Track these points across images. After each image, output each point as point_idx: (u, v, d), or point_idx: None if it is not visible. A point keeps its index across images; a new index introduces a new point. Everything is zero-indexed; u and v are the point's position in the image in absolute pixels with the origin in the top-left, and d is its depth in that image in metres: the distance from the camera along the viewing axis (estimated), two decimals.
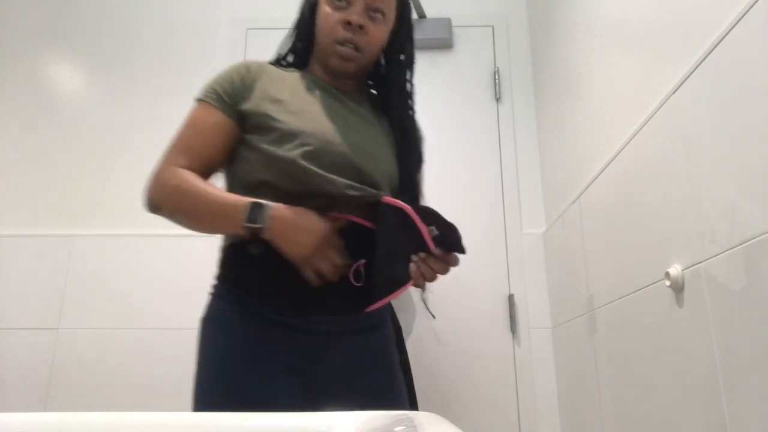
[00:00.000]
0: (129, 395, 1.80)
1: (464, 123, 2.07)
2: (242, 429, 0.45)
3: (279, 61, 1.20)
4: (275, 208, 0.95)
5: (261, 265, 0.99)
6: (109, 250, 1.95)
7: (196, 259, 1.93)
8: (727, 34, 0.90)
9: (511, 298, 1.91)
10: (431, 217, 0.95)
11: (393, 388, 1.08)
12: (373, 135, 1.11)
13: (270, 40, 2.26)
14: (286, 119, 1.02)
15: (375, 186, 1.03)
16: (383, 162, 1.07)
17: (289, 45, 1.20)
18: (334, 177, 0.99)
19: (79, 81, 2.18)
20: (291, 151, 0.98)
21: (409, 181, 1.11)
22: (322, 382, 0.98)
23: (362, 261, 0.98)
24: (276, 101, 1.05)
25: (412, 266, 0.96)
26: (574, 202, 1.63)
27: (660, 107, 1.11)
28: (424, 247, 0.94)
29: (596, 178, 1.46)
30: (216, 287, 1.05)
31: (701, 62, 0.97)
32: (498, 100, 2.12)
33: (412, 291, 0.99)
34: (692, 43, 1.00)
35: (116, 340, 1.86)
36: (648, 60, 1.19)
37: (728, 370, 0.88)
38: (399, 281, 0.97)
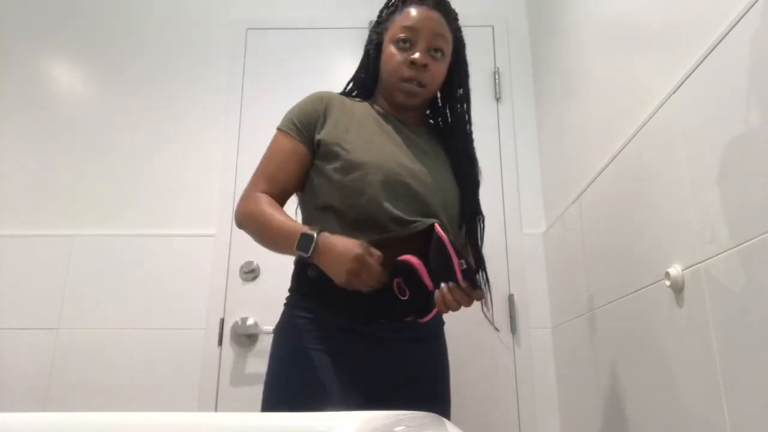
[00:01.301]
0: (129, 395, 1.80)
1: None
2: (242, 429, 0.45)
3: (346, 92, 1.28)
4: (322, 237, 1.02)
5: (326, 277, 1.06)
6: (109, 250, 1.95)
7: (196, 259, 1.94)
8: (727, 34, 0.90)
9: (511, 298, 1.91)
10: (463, 253, 1.00)
11: (441, 397, 1.17)
12: (432, 165, 1.19)
13: (270, 40, 2.29)
14: (353, 150, 1.11)
15: (432, 213, 1.11)
16: (440, 191, 1.16)
17: (357, 81, 1.29)
18: (391, 208, 1.07)
19: (79, 81, 2.18)
20: (356, 181, 1.08)
21: (467, 204, 1.21)
22: (376, 384, 1.07)
23: (398, 279, 1.04)
24: (345, 131, 1.14)
25: (437, 293, 1.01)
26: (574, 202, 1.63)
27: (660, 107, 1.11)
28: (453, 278, 0.99)
29: (596, 178, 1.46)
30: (288, 297, 1.16)
31: (701, 62, 0.97)
32: (498, 100, 2.12)
33: (476, 304, 1.04)
34: (692, 43, 1.00)
35: (116, 340, 1.85)
36: (648, 60, 1.19)
37: (728, 370, 0.88)
38: (433, 303, 1.03)
